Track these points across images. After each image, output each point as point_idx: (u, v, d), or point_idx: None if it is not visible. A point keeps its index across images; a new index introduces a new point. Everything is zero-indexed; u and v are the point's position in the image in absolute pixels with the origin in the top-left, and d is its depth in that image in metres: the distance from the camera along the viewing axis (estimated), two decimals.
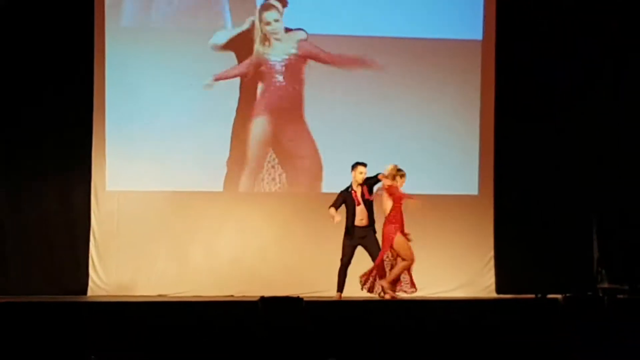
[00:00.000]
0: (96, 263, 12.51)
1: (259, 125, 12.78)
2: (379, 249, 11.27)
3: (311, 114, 12.91)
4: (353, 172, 11.46)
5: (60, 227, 12.61)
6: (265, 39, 12.78)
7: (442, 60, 13.09)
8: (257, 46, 12.77)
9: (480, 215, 12.94)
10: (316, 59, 12.82)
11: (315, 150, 12.88)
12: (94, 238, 12.56)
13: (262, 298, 10.11)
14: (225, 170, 12.79)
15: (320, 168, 12.91)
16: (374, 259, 11.34)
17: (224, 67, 12.76)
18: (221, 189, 12.78)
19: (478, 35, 13.14)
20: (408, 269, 11.24)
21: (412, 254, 11.17)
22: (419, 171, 12.38)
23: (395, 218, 11.24)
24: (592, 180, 13.27)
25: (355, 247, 11.53)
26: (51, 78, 12.48)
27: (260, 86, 12.80)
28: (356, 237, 11.49)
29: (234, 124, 12.77)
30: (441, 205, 12.46)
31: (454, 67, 13.11)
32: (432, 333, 9.94)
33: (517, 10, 13.14)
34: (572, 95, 13.23)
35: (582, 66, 13.22)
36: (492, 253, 12.99)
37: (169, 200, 12.69)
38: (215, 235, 12.73)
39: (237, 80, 12.83)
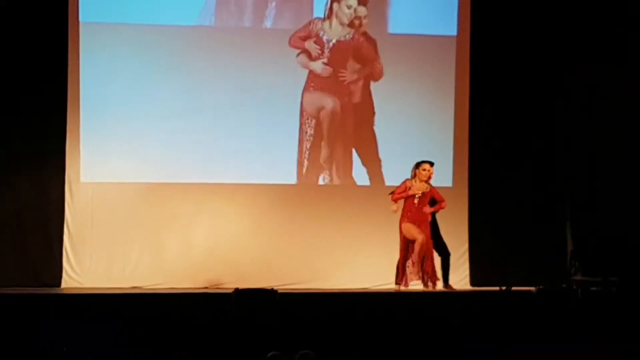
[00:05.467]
0: (70, 255, 12.46)
1: None
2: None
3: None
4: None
5: (34, 218, 12.53)
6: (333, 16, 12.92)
7: (417, 55, 13.12)
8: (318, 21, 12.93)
9: (455, 208, 12.93)
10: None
11: None
12: (68, 230, 12.50)
13: (237, 290, 10.13)
14: (201, 161, 12.76)
15: None
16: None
17: (200, 61, 12.71)
18: (197, 181, 12.73)
19: (453, 31, 13.19)
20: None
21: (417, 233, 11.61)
22: (393, 164, 12.42)
23: (403, 212, 11.69)
24: (567, 173, 13.34)
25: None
26: (24, 70, 12.38)
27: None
28: None
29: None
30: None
31: (429, 62, 13.14)
32: (406, 325, 9.98)
33: (492, 6, 13.19)
34: (545, 90, 13.28)
35: (557, 60, 13.28)
36: (466, 245, 13.02)
37: (143, 192, 12.65)
38: (190, 227, 12.69)
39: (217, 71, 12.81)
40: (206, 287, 12.31)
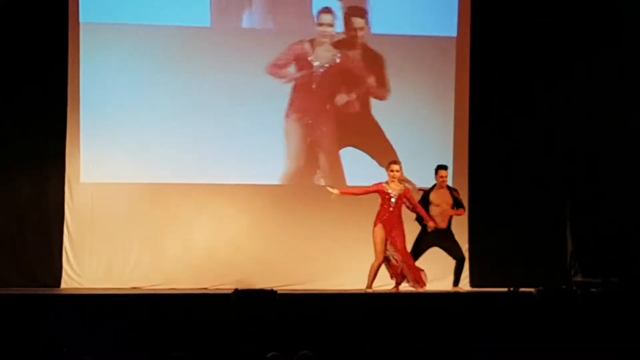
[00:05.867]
0: (70, 255, 12.46)
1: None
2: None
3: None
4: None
5: (34, 219, 12.54)
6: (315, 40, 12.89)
7: (417, 56, 13.12)
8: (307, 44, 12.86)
9: None
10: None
11: None
12: (68, 230, 12.50)
13: (236, 290, 10.12)
14: (200, 162, 12.76)
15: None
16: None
17: (200, 62, 12.71)
18: (197, 181, 12.73)
19: (453, 32, 13.19)
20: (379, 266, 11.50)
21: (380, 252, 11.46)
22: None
23: (378, 215, 11.53)
24: (567, 174, 13.34)
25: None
26: (25, 70, 12.39)
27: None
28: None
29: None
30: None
31: (429, 63, 13.14)
32: (406, 326, 9.97)
33: (492, 7, 13.19)
34: (545, 90, 13.28)
35: (557, 61, 13.28)
36: (466, 246, 13.00)
37: (143, 192, 12.65)
38: (190, 228, 12.69)
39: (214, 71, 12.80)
40: (206, 288, 12.30)
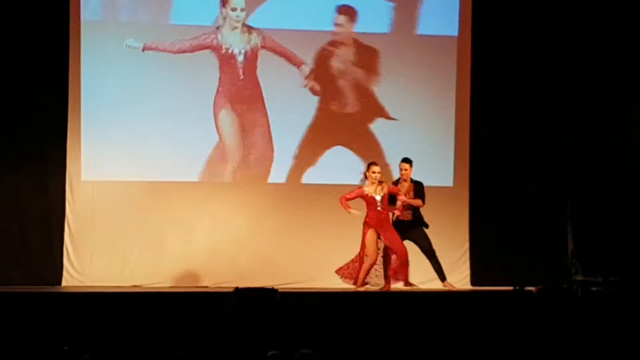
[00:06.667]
0: (71, 253, 12.46)
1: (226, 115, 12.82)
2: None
3: (273, 107, 12.92)
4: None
5: (34, 217, 12.54)
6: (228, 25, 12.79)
7: (418, 55, 13.12)
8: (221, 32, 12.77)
9: (456, 207, 12.99)
10: (275, 52, 12.84)
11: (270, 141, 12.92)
12: (69, 228, 12.51)
13: (237, 289, 10.12)
14: (202, 160, 12.76)
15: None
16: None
17: (201, 60, 12.72)
18: (196, 179, 12.74)
19: (454, 31, 13.19)
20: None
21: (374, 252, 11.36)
22: (394, 164, 12.38)
23: (366, 218, 11.41)
24: (567, 173, 13.34)
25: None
26: (26, 67, 12.40)
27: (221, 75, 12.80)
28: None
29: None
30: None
31: (430, 62, 13.14)
32: (406, 325, 9.97)
33: (493, 7, 13.19)
34: (546, 90, 13.28)
35: (557, 61, 13.29)
36: (467, 245, 13.02)
37: (144, 190, 12.65)
38: (191, 226, 12.70)
39: (216, 71, 12.79)
40: (206, 286, 12.31)
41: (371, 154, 12.68)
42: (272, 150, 12.89)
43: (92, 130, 12.54)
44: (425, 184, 11.92)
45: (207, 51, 12.73)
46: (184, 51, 12.66)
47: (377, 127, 13.03)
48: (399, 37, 13.12)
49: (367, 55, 13.06)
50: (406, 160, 11.77)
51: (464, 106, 13.15)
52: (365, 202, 11.41)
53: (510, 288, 10.87)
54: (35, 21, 12.43)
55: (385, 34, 13.09)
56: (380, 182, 11.46)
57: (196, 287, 12.26)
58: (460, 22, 13.18)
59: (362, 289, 11.40)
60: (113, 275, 12.39)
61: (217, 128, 12.77)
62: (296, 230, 12.78)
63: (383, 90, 13.05)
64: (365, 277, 11.44)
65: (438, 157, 12.89)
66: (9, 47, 12.39)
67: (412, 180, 11.81)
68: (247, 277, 12.03)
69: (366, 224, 11.39)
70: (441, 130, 13.14)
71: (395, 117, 13.02)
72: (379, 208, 11.37)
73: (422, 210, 11.84)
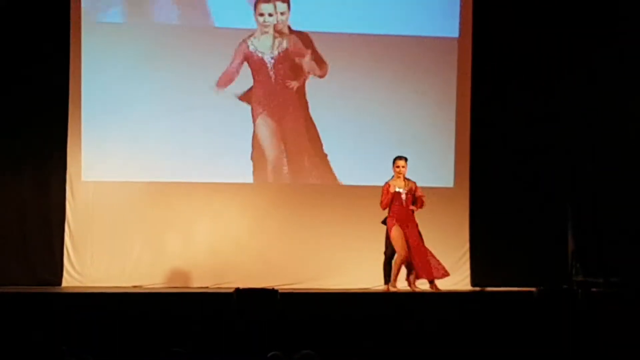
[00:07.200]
0: (71, 254, 12.46)
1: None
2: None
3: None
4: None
5: (35, 217, 12.55)
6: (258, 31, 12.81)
7: (419, 57, 13.13)
8: (251, 39, 12.79)
9: (456, 208, 12.99)
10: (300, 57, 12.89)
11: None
12: (69, 228, 12.51)
13: (237, 289, 10.12)
14: (203, 160, 12.77)
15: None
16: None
17: (201, 60, 12.72)
18: (198, 180, 12.74)
19: (455, 33, 13.20)
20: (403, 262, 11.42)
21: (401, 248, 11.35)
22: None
23: (390, 212, 11.43)
24: (568, 173, 13.34)
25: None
26: (27, 67, 12.40)
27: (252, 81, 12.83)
28: None
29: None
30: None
31: (431, 64, 13.15)
32: (407, 325, 9.97)
33: (493, 8, 13.20)
34: (546, 90, 13.30)
35: (558, 62, 13.30)
36: (467, 246, 13.02)
37: (144, 191, 12.66)
38: (191, 227, 12.70)
39: (216, 71, 12.79)
40: (207, 287, 12.31)
41: None
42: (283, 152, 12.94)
43: (92, 131, 12.54)
44: (425, 184, 11.92)
45: (203, 52, 12.73)
46: (234, 78, 12.75)
47: (377, 126, 13.02)
48: (398, 38, 13.13)
49: None
50: (401, 157, 11.71)
51: (464, 107, 13.16)
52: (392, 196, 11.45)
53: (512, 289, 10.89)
54: (36, 21, 12.43)
55: (385, 35, 13.10)
56: (406, 178, 11.52)
57: (196, 287, 12.25)
58: (460, 23, 13.19)
59: (394, 289, 11.40)
60: (113, 276, 12.39)
61: (254, 134, 12.83)
62: (297, 230, 12.78)
63: (384, 92, 13.05)
64: (398, 274, 11.42)
65: (438, 158, 12.90)
66: (9, 47, 12.39)
67: (406, 179, 11.74)
68: (247, 277, 12.02)
69: (390, 218, 11.41)
70: (442, 131, 13.14)
71: None
72: (403, 204, 11.41)
73: (425, 211, 11.83)
